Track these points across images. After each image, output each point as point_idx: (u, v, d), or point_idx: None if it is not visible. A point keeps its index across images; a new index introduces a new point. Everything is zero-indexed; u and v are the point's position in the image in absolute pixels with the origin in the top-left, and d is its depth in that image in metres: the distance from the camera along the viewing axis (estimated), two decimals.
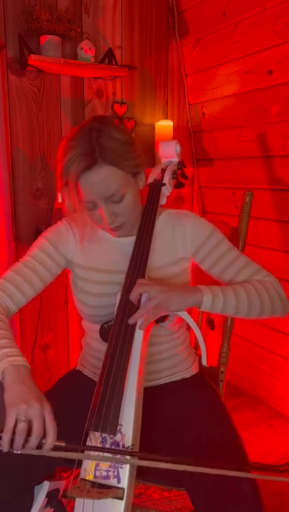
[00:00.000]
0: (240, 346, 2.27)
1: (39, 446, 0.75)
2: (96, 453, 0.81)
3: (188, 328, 1.24)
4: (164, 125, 2.18)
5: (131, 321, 0.94)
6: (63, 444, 0.76)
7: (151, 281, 0.99)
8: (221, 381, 1.30)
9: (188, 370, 1.18)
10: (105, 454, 0.80)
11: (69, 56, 1.98)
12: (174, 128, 2.22)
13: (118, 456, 0.80)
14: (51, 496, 0.95)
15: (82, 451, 0.81)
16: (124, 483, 0.80)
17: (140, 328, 0.94)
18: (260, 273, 1.09)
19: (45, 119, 2.01)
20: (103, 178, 0.95)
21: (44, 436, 0.76)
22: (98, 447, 0.83)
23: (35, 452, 0.75)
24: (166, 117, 2.31)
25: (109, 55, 2.00)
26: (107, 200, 0.98)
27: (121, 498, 0.78)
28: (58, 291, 2.12)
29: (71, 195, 0.97)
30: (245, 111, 1.99)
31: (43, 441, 0.75)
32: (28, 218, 2.03)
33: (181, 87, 2.33)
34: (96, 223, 1.04)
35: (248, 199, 1.34)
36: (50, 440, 0.75)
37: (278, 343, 2.09)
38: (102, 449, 0.82)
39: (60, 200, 1.93)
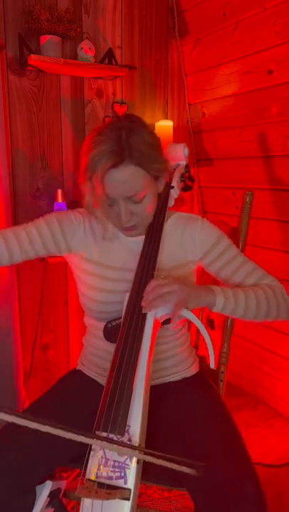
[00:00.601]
0: (241, 346, 2.27)
1: None
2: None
3: (189, 329, 1.24)
4: (164, 125, 2.17)
5: (145, 310, 0.95)
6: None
7: (167, 278, 0.99)
8: (221, 381, 1.30)
9: (189, 370, 1.18)
10: (114, 445, 0.80)
11: (69, 56, 1.98)
12: (174, 128, 2.22)
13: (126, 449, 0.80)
14: (53, 495, 0.95)
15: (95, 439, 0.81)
16: (131, 484, 0.80)
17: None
18: (266, 278, 1.11)
19: (45, 119, 2.01)
20: (128, 177, 0.96)
21: None
22: (108, 438, 0.82)
23: None
24: (166, 117, 2.31)
25: (109, 55, 2.00)
26: (127, 200, 0.99)
27: (127, 499, 0.79)
28: (58, 291, 2.12)
29: (95, 190, 0.97)
30: (245, 111, 1.99)
31: None
32: (28, 218, 2.01)
33: (181, 87, 2.33)
34: (111, 220, 1.05)
35: (248, 199, 1.34)
36: None
37: (278, 343, 2.09)
38: (112, 441, 0.81)
39: (60, 199, 1.93)
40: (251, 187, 2.01)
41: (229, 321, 1.35)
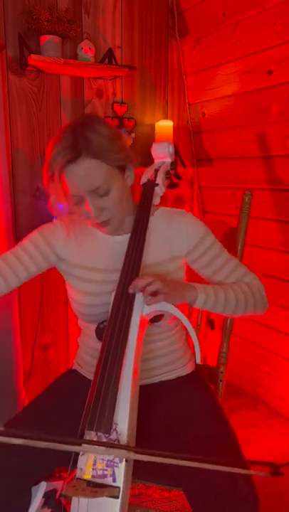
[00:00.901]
0: (240, 346, 2.27)
1: None
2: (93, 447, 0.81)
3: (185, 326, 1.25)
4: (164, 125, 2.17)
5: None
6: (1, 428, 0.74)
7: (154, 275, 0.99)
8: (221, 381, 1.31)
9: (184, 368, 1.18)
10: (100, 448, 0.80)
11: (69, 56, 1.98)
12: (174, 128, 2.22)
13: (113, 449, 0.80)
14: (48, 496, 0.95)
15: (79, 445, 0.81)
16: (120, 482, 0.79)
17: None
18: (248, 276, 1.14)
19: (45, 119, 2.01)
20: (87, 171, 0.96)
21: None
22: (94, 441, 0.82)
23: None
24: (166, 117, 2.31)
25: (109, 55, 2.00)
26: (92, 194, 0.99)
27: (116, 497, 0.78)
28: (58, 291, 2.12)
29: (57, 189, 0.98)
30: (245, 111, 1.99)
31: None
32: (28, 218, 2.03)
33: (181, 87, 2.33)
34: (84, 218, 1.05)
35: (247, 199, 1.34)
36: None
37: (278, 343, 2.08)
38: (98, 443, 0.81)
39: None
40: (251, 187, 2.01)
41: (229, 321, 1.35)
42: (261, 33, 1.81)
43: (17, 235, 2.00)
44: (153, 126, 2.21)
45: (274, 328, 2.09)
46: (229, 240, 1.37)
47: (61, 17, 1.86)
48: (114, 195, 1.01)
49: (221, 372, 1.31)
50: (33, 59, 1.80)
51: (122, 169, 1.03)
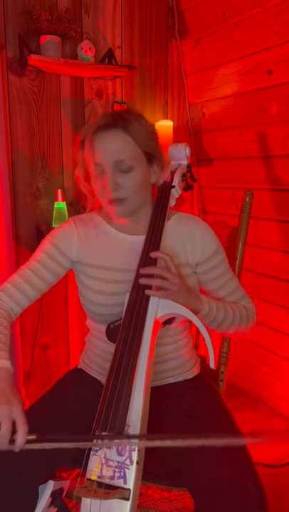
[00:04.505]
0: (240, 346, 2.27)
1: (11, 442, 0.78)
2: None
3: (192, 330, 1.24)
4: (164, 125, 2.17)
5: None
6: (34, 437, 0.78)
7: (173, 273, 1.00)
8: (221, 381, 1.31)
9: (191, 372, 1.18)
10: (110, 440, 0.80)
11: (69, 56, 1.98)
12: (174, 128, 2.22)
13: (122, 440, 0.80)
14: (55, 495, 0.95)
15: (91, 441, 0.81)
16: (131, 484, 0.79)
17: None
18: (245, 299, 1.17)
19: (45, 119, 2.01)
20: (118, 141, 0.99)
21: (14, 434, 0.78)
22: (101, 435, 0.82)
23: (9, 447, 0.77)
24: (166, 117, 2.31)
25: (109, 55, 2.00)
26: (114, 167, 1.00)
27: (127, 499, 0.78)
28: (58, 291, 2.12)
29: (84, 155, 1.02)
30: (245, 111, 1.99)
31: (14, 437, 0.78)
32: (28, 218, 2.03)
33: (181, 87, 2.33)
34: (99, 194, 1.06)
35: (248, 199, 1.34)
36: (20, 440, 0.78)
37: (278, 343, 2.09)
38: (105, 437, 0.81)
39: (60, 199, 1.93)
40: (251, 187, 2.01)
41: None
42: (261, 33, 1.81)
43: (17, 236, 2.00)
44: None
45: (274, 328, 2.09)
46: (229, 240, 1.37)
47: (61, 17, 1.86)
48: (135, 175, 1.02)
49: (222, 373, 1.31)
50: (33, 59, 1.80)
51: (149, 160, 1.06)
